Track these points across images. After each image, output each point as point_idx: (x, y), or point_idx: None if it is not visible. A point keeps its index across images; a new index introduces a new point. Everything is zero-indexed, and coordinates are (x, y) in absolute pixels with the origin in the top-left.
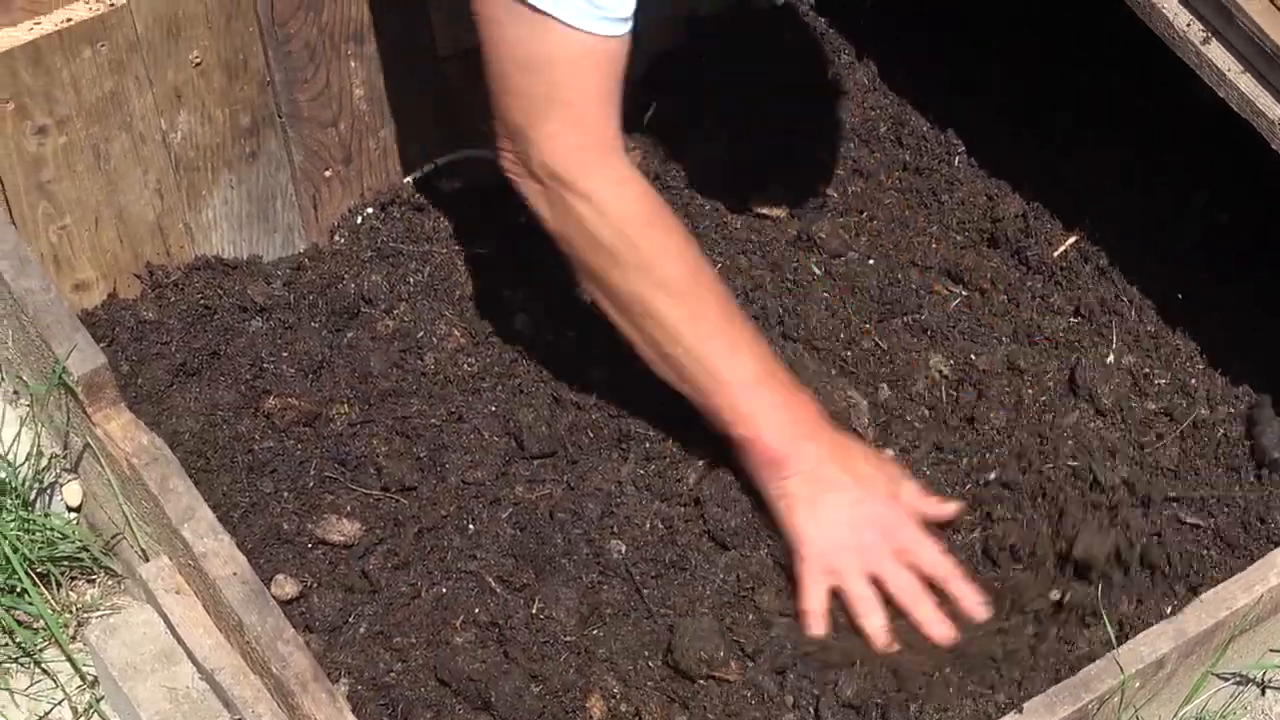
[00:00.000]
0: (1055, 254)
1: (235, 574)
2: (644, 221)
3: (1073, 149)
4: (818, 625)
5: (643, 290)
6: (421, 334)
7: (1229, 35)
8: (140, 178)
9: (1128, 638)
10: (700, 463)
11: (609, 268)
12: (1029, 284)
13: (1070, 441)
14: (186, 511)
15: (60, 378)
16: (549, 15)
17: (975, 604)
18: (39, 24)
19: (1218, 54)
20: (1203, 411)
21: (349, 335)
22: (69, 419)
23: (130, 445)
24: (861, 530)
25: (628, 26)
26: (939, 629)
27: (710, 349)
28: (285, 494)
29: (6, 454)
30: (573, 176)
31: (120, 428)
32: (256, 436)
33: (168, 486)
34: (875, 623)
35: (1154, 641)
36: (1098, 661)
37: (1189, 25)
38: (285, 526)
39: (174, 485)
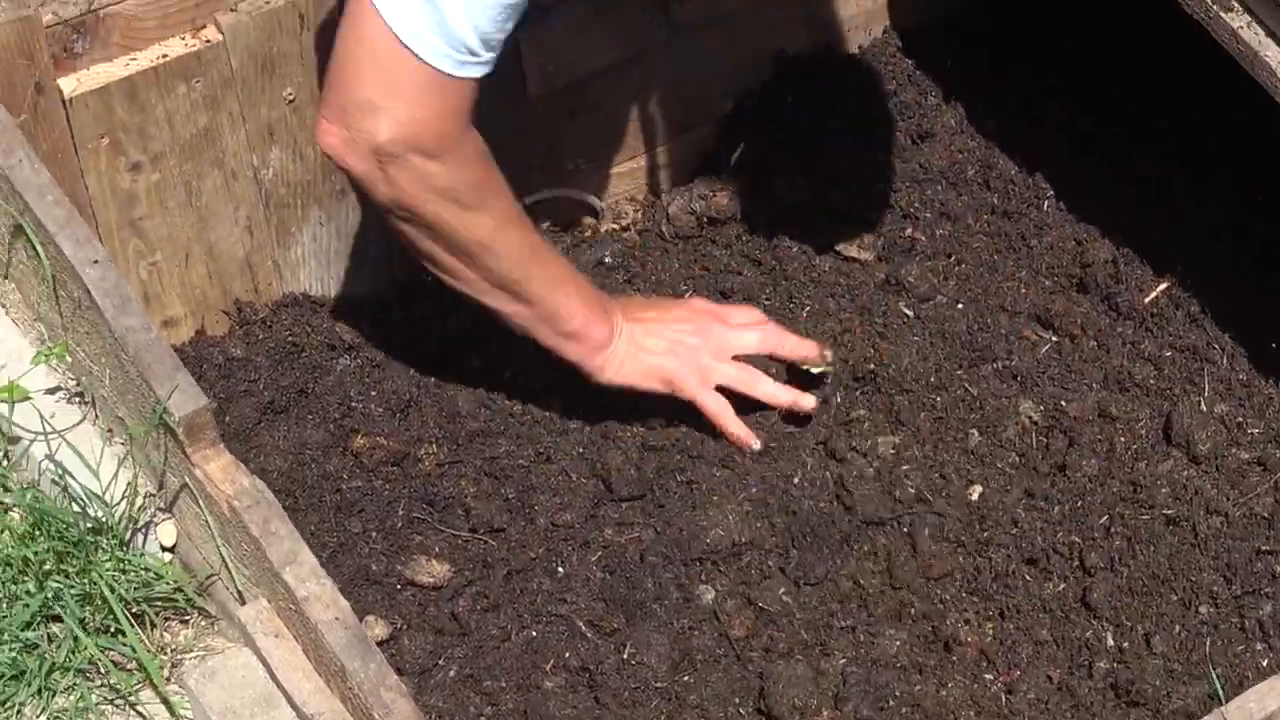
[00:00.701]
0: (1146, 300)
1: (338, 619)
2: (486, 169)
3: (1165, 195)
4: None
5: (484, 230)
6: (508, 374)
7: None
8: (231, 214)
9: (1236, 693)
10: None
11: (452, 219)
12: (1119, 330)
13: (1166, 490)
14: (289, 555)
15: (161, 418)
16: (414, 53)
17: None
18: (134, 60)
19: None
20: None
21: (436, 374)
22: (166, 459)
23: (231, 487)
24: (683, 352)
25: (479, 71)
26: (784, 397)
27: (539, 269)
28: (374, 534)
29: (104, 493)
30: (435, 148)
31: (220, 469)
32: (344, 476)
33: (270, 529)
34: (726, 421)
35: (1263, 698)
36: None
37: None
38: (374, 567)
39: (276, 528)
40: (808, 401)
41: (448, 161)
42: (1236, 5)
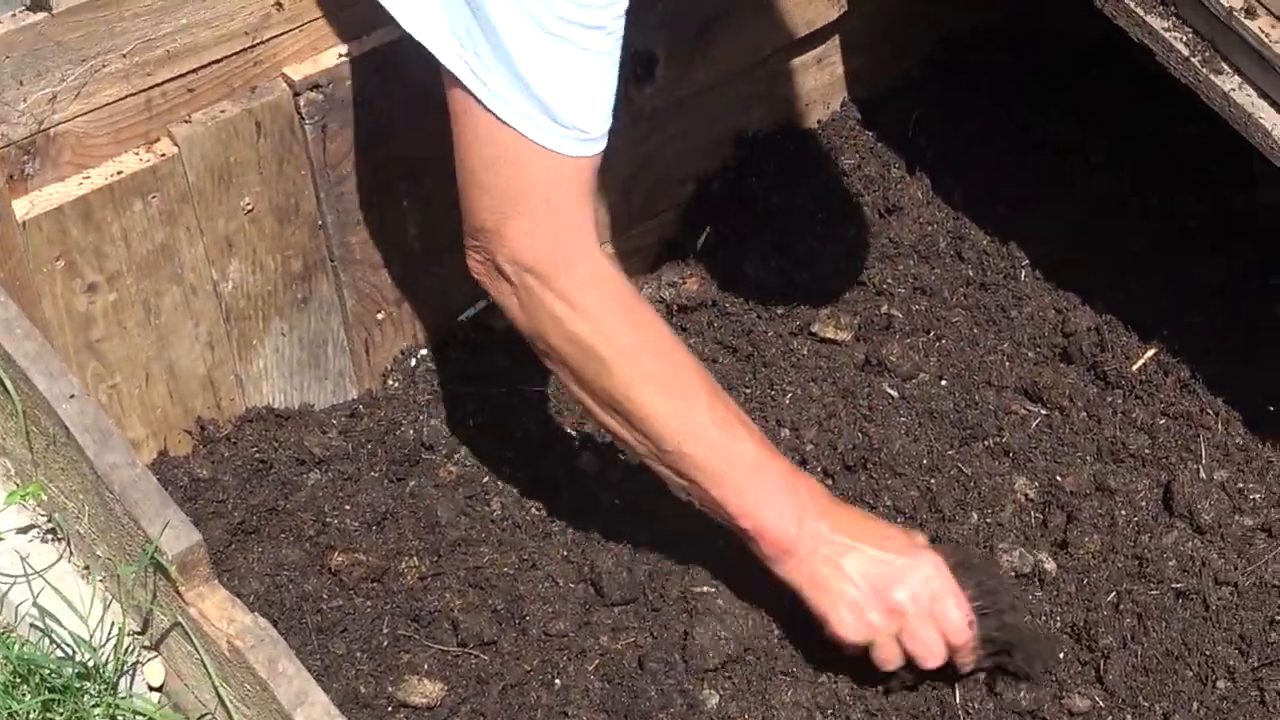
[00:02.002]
0: (1134, 368)
1: None
2: (622, 317)
3: (1143, 258)
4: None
5: (629, 389)
6: (486, 479)
7: None
8: (191, 330)
9: None
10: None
11: (592, 367)
12: (1109, 399)
13: (1172, 562)
14: (299, 696)
15: (152, 556)
16: (528, 138)
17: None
18: (88, 178)
19: None
20: None
21: (411, 484)
22: (155, 597)
23: (231, 626)
24: (885, 594)
25: (599, 146)
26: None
27: (705, 443)
28: (359, 655)
29: (91, 635)
30: (546, 273)
31: (216, 606)
32: (324, 595)
33: (277, 670)
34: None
35: None
36: None
37: None
38: (363, 689)
39: (283, 668)
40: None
41: (562, 289)
42: (1227, 68)
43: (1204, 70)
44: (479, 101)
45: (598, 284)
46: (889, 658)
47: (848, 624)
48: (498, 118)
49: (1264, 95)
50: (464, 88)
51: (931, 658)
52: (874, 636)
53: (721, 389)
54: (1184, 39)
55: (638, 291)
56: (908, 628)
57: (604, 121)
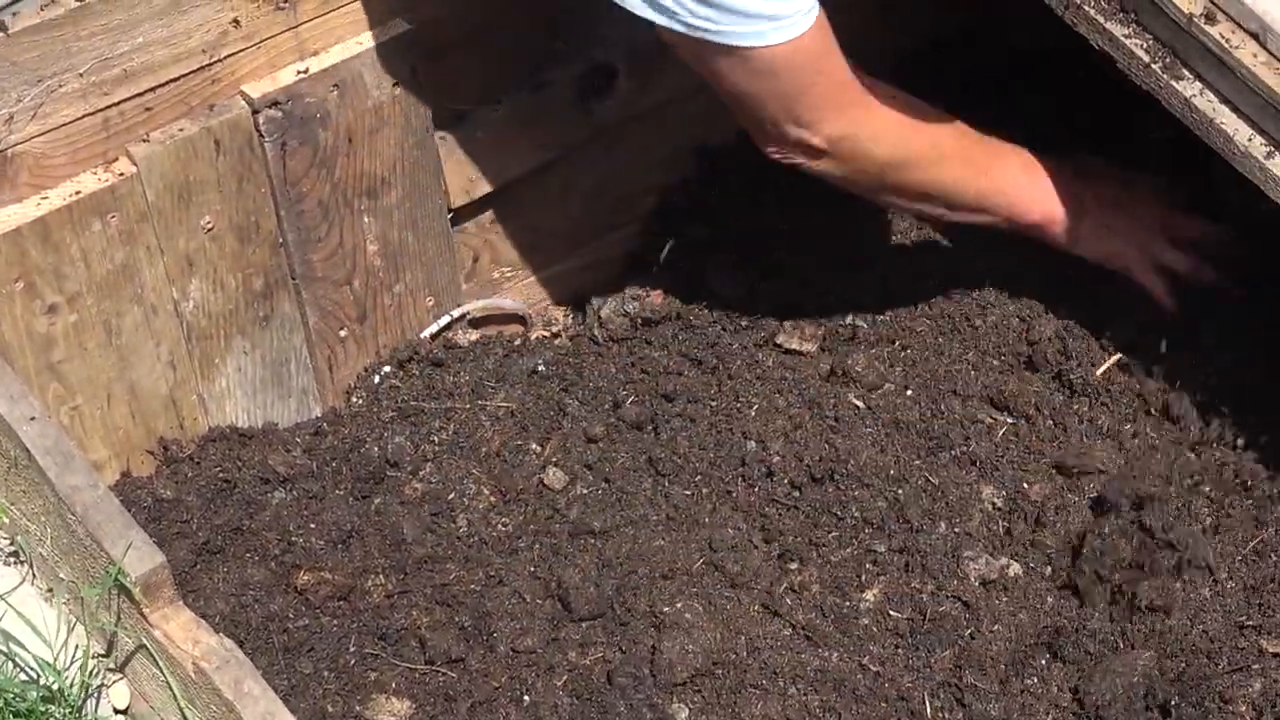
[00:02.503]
0: (1098, 374)
1: None
2: (910, 123)
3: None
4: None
5: (933, 174)
6: (451, 495)
7: None
8: (152, 350)
9: None
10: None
11: (904, 175)
12: (1075, 407)
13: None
14: (265, 716)
15: (116, 578)
16: (756, 48)
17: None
18: (46, 199)
19: None
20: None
21: (377, 501)
22: (119, 619)
23: (197, 647)
24: (1146, 222)
25: (810, 15)
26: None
27: (991, 178)
28: (326, 674)
29: (55, 658)
30: (849, 132)
31: (181, 628)
32: (290, 615)
33: (243, 690)
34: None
35: None
36: None
37: (1250, 140)
38: (331, 709)
39: (249, 689)
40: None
41: (866, 136)
42: (1187, 74)
43: (1164, 76)
44: (710, 41)
45: (883, 108)
46: (1156, 286)
47: (1139, 267)
48: (724, 45)
49: (1225, 100)
50: (694, 39)
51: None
52: (1140, 268)
53: (962, 124)
54: (1144, 45)
55: (895, 88)
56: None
57: None
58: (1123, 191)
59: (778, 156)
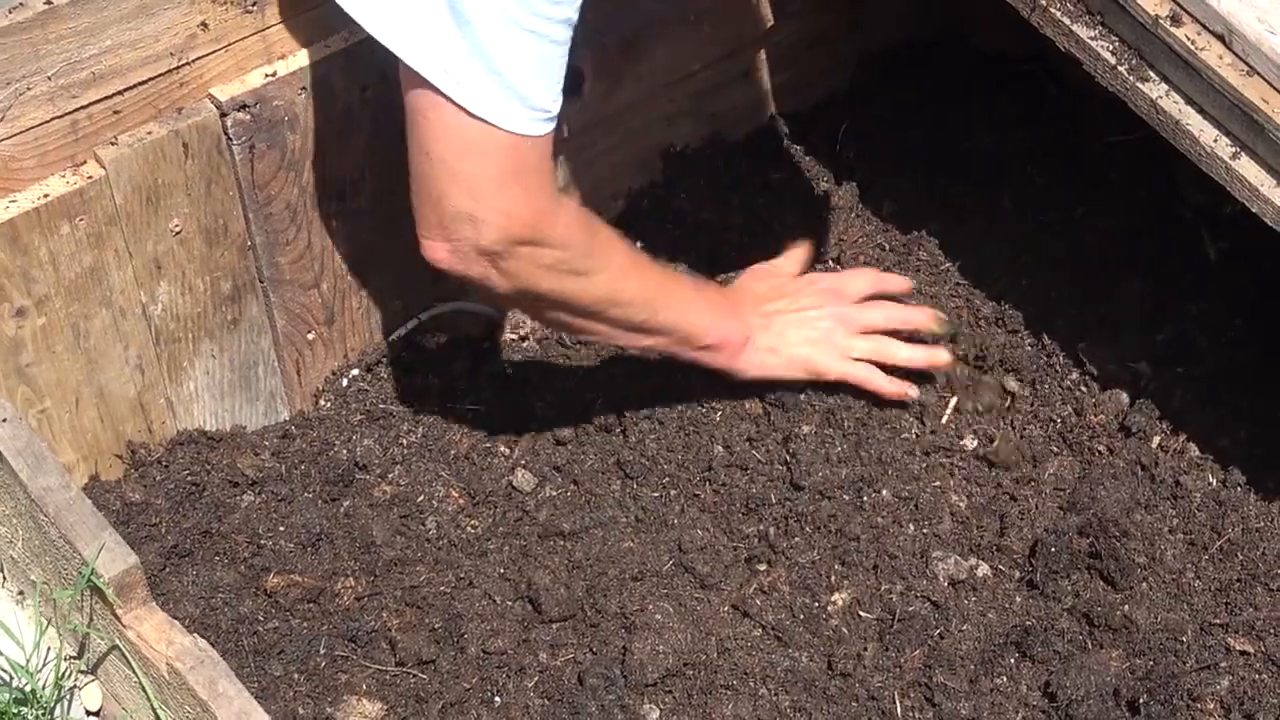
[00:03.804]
0: (1072, 378)
1: None
2: (592, 243)
3: (1072, 266)
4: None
5: (605, 290)
6: (421, 498)
7: (1259, 149)
8: (121, 354)
9: None
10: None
11: (574, 292)
12: (1034, 407)
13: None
14: (240, 716)
15: (89, 579)
16: (490, 123)
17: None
18: (14, 201)
19: (1249, 169)
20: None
21: (346, 504)
22: (92, 620)
23: (171, 648)
24: (818, 338)
25: (553, 125)
26: (920, 357)
27: (664, 298)
28: (296, 676)
29: (28, 660)
30: (536, 237)
31: (154, 629)
32: (260, 617)
33: (217, 690)
34: (879, 381)
35: None
36: None
37: (1216, 140)
38: (301, 711)
39: (224, 689)
40: (942, 356)
41: (553, 240)
42: (1154, 75)
43: (1131, 78)
44: (448, 98)
45: (567, 214)
46: (853, 372)
47: (826, 362)
48: (469, 112)
49: (1191, 102)
50: (432, 86)
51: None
52: (821, 363)
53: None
54: (1110, 48)
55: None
56: (840, 343)
57: (559, 100)
58: (786, 298)
59: (442, 255)
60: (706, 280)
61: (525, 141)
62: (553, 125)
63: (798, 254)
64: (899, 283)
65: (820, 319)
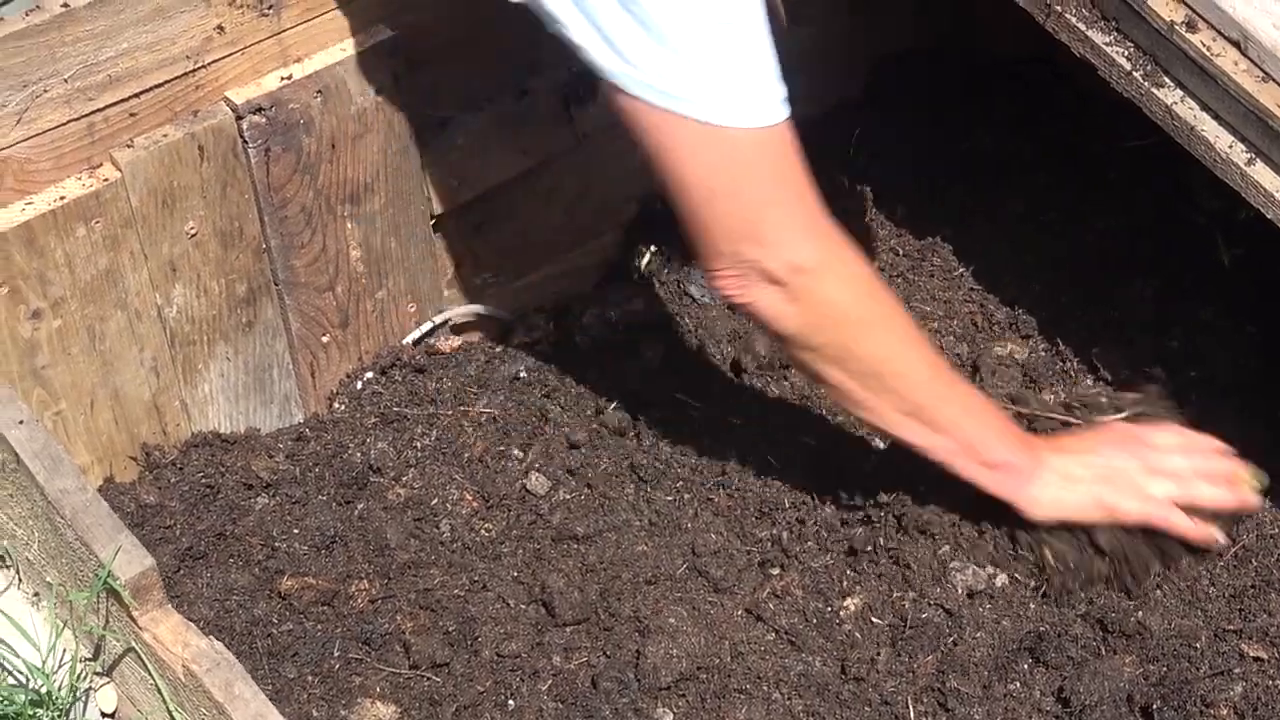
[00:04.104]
0: (1086, 384)
1: None
2: (872, 280)
3: (1082, 270)
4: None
5: (891, 348)
6: (435, 501)
7: (1274, 155)
8: (136, 356)
9: None
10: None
11: (861, 338)
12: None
13: None
14: (256, 718)
15: (105, 581)
16: (726, 126)
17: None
18: (31, 203)
19: (1264, 175)
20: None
21: (360, 506)
22: (108, 622)
23: (187, 650)
24: (1115, 476)
25: (788, 108)
26: (1229, 499)
27: (951, 391)
28: (310, 678)
29: (43, 663)
30: (815, 261)
31: (170, 630)
32: (274, 620)
33: (233, 693)
34: (1182, 525)
35: None
36: None
37: (1231, 147)
38: (315, 713)
39: (240, 691)
40: (1252, 500)
41: (843, 262)
42: (1169, 81)
43: (1145, 84)
44: (680, 115)
45: (847, 251)
46: (1155, 513)
47: (1126, 504)
48: (703, 122)
49: (1206, 108)
50: (658, 109)
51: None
52: (1118, 503)
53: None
54: (1125, 53)
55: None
56: (1159, 463)
57: (780, 82)
58: (1076, 439)
59: (730, 284)
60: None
61: (773, 133)
62: (784, 108)
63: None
64: (1208, 443)
65: (1117, 457)
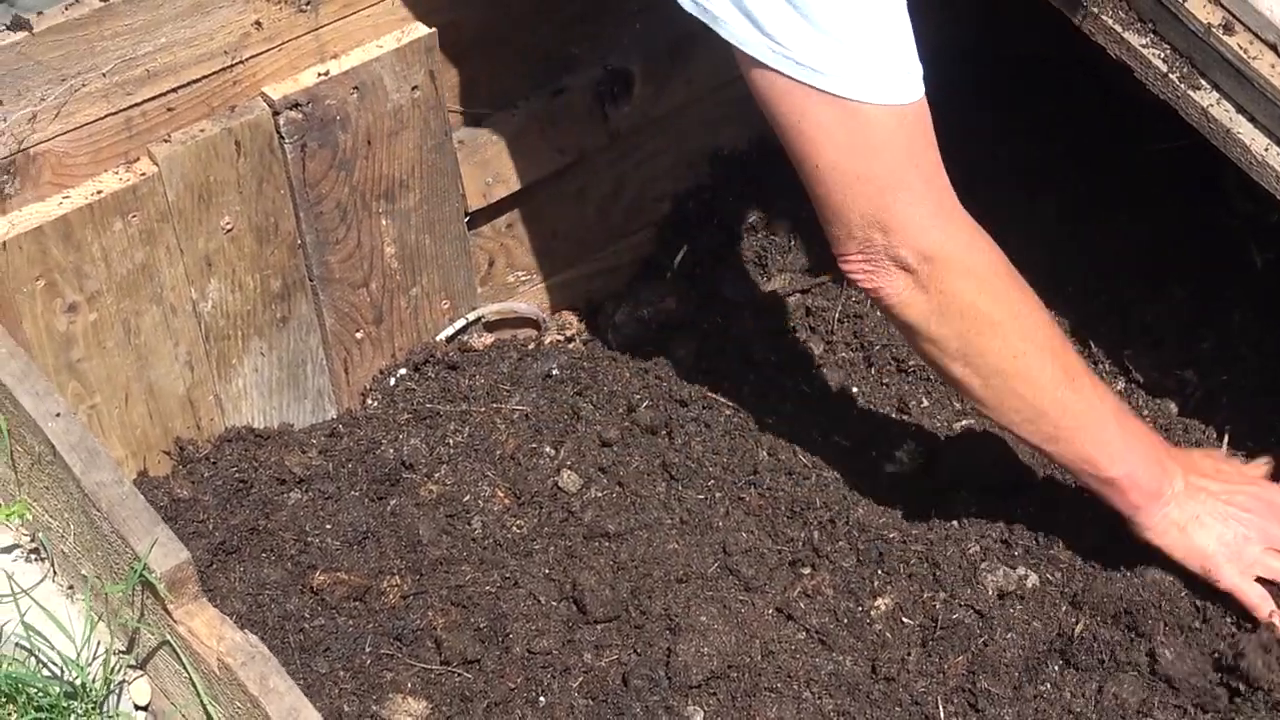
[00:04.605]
0: (1118, 388)
1: None
2: (1005, 274)
3: (1114, 272)
4: (1268, 605)
5: (1017, 347)
6: (467, 497)
7: None
8: (171, 350)
9: None
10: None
11: (987, 332)
12: None
13: None
14: (291, 712)
15: (141, 574)
16: (865, 102)
17: None
18: (68, 198)
19: None
20: None
21: (392, 502)
22: (143, 615)
23: (222, 644)
24: (1232, 539)
25: (924, 87)
26: None
27: (1078, 399)
28: (342, 674)
29: (78, 655)
30: (945, 248)
31: (205, 624)
32: (306, 615)
33: (268, 686)
34: (1265, 611)
35: None
36: None
37: (1267, 149)
38: (347, 709)
39: (275, 684)
40: None
41: (973, 249)
42: (1205, 84)
43: (1182, 86)
44: (817, 89)
45: (980, 241)
46: (1248, 593)
47: (1226, 570)
48: (841, 97)
49: (1242, 110)
50: (797, 82)
51: None
52: (1220, 569)
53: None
54: (1162, 55)
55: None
56: (1250, 555)
57: (918, 61)
58: (1221, 484)
59: (858, 270)
60: (1140, 419)
61: (908, 112)
62: (920, 87)
63: (1262, 463)
64: None
65: (1243, 520)
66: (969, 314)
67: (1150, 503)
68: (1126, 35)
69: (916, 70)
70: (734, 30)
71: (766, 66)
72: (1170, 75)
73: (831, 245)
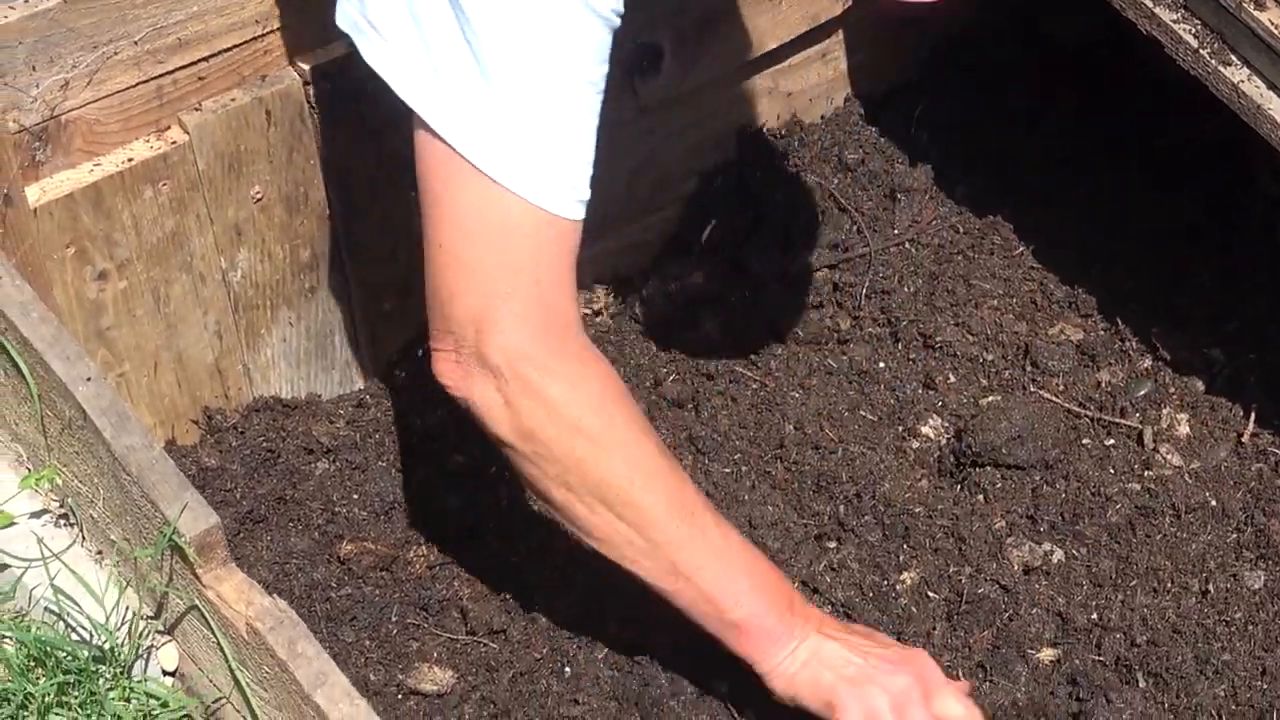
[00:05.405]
0: (1145, 366)
1: None
2: (615, 398)
3: (1143, 253)
4: None
5: (622, 473)
6: (493, 469)
7: None
8: (200, 319)
9: None
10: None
11: (584, 455)
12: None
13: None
14: (319, 677)
15: (170, 539)
16: (512, 191)
17: None
18: (99, 165)
19: None
20: None
21: (419, 473)
22: (171, 580)
23: (250, 608)
24: (865, 689)
25: (583, 212)
26: None
27: (697, 534)
28: (368, 643)
29: (106, 620)
30: (543, 360)
31: (234, 589)
32: (333, 584)
33: (296, 650)
34: None
35: None
36: None
37: None
38: (373, 677)
39: (303, 649)
40: None
41: (568, 363)
42: (1235, 60)
43: (1213, 62)
44: (470, 163)
45: (591, 364)
46: None
47: (851, 710)
48: (493, 179)
49: (1273, 87)
50: (451, 148)
51: None
52: (845, 710)
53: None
54: (1192, 31)
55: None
56: (877, 707)
57: (588, 186)
58: (870, 644)
59: (448, 369)
60: (773, 565)
61: (555, 226)
62: (583, 213)
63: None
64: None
65: (880, 671)
66: (566, 431)
67: (774, 645)
68: (1157, 10)
69: (581, 193)
70: (408, 82)
71: (429, 125)
72: (1201, 51)
73: (430, 336)
